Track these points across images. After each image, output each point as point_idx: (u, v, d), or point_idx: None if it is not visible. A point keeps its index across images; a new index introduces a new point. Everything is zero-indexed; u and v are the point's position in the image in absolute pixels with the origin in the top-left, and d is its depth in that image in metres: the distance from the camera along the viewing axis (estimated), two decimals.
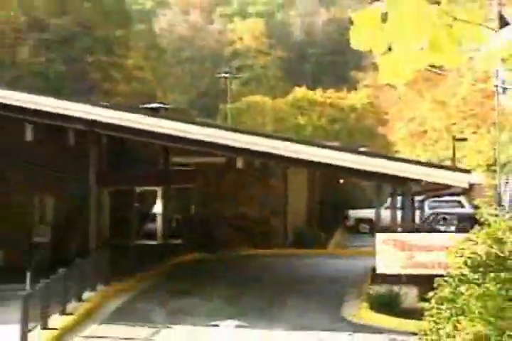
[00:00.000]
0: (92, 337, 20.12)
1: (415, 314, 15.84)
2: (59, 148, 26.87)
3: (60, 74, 48.98)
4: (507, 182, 31.60)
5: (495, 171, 31.88)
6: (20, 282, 20.46)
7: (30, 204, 28.90)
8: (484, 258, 10.19)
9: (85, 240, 26.59)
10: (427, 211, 37.09)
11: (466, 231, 14.81)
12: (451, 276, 10.33)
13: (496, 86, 25.19)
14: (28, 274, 19.96)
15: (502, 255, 10.18)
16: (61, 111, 24.44)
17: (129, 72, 58.33)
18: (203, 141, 24.88)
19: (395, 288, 22.30)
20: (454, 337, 9.66)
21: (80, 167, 26.54)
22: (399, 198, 26.54)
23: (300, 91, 75.05)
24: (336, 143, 39.82)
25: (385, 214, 27.36)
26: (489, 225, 10.81)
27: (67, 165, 27.44)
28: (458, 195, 32.78)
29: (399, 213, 25.52)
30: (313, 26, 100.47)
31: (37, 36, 50.39)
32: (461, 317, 9.72)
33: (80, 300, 23.27)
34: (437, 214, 35.39)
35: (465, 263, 10.28)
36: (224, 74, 74.57)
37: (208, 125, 27.62)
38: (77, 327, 20.88)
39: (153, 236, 39.32)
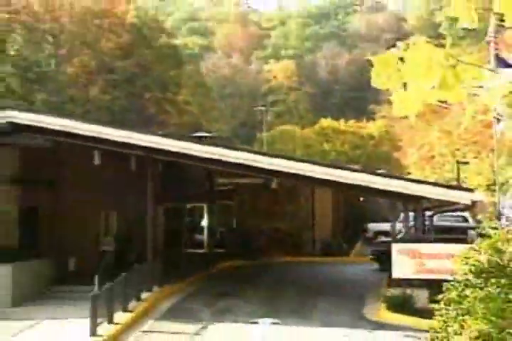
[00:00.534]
0: (149, 332, 20.16)
1: (427, 313, 15.73)
2: (122, 171, 27.07)
3: (123, 108, 49.41)
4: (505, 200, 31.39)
5: (494, 190, 31.71)
6: (89, 284, 20.57)
7: (97, 219, 29.11)
8: (486, 265, 10.16)
9: (143, 249, 26.67)
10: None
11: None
12: (457, 281, 10.30)
13: (494, 117, 25.13)
14: (96, 277, 20.06)
15: (501, 263, 10.16)
16: (124, 140, 24.66)
17: (180, 106, 58.70)
18: (243, 165, 24.94)
19: (409, 291, 22.20)
20: (460, 334, 9.62)
21: (139, 187, 26.70)
22: (411, 213, 26.43)
23: (325, 122, 75.03)
24: (356, 166, 39.74)
25: (400, 227, 27.27)
26: (490, 237, 10.80)
27: (129, 185, 27.62)
28: (462, 210, 32.62)
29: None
30: (337, 67, 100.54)
31: (105, 77, 50.90)
32: (466, 317, 9.68)
33: (138, 299, 23.38)
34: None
35: (470, 270, 10.25)
36: (260, 108, 74.84)
37: (247, 151, 27.68)
38: (136, 323, 20.98)
39: (200, 246, 39.39)
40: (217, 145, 26.37)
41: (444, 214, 34.89)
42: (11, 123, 24.46)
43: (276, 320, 21.17)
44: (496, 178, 30.77)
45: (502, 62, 21.02)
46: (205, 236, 39.97)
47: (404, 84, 3.04)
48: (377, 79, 3.08)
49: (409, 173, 53.05)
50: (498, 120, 24.63)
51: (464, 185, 33.66)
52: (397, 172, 51.35)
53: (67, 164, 27.54)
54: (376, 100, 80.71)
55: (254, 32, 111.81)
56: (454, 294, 10.09)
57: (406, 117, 3.40)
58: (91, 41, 50.85)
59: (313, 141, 72.12)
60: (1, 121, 24.54)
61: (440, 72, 2.95)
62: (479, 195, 25.08)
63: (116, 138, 24.55)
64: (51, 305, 23.28)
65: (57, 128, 24.66)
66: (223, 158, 24.89)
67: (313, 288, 27.85)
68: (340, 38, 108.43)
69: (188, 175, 30.97)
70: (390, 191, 24.47)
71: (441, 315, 10.06)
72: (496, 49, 19.32)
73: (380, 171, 34.99)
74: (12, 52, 49.26)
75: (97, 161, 24.90)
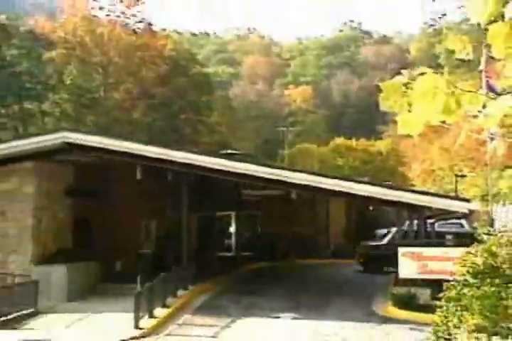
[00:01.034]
0: (184, 325, 20.17)
1: (429, 309, 15.61)
2: (160, 184, 27.22)
3: (162, 129, 49.66)
4: (497, 209, 31.18)
5: (487, 200, 31.52)
6: (132, 283, 20.64)
7: (139, 226, 29.24)
8: (482, 267, 10.11)
9: (179, 252, 26.76)
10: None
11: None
12: (456, 281, 10.24)
13: (488, 136, 25.00)
14: (138, 277, 20.13)
15: (495, 265, 10.11)
16: (162, 157, 24.78)
17: (211, 127, 58.89)
18: (266, 178, 24.99)
19: (413, 290, 22.08)
20: (459, 327, 9.58)
21: (175, 198, 26.81)
22: (415, 221, 26.31)
23: (339, 140, 74.98)
24: (366, 179, 39.63)
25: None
26: (484, 242, 10.75)
27: (166, 196, 27.74)
28: (460, 218, 32.47)
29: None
30: (349, 92, 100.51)
31: (146, 102, 51.27)
32: (464, 313, 9.64)
33: (175, 296, 23.44)
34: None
35: (467, 271, 10.19)
36: (282, 128, 75.03)
37: (270, 166, 27.70)
38: (173, 317, 21.01)
39: (229, 250, 39.41)
40: (243, 161, 26.43)
41: (443, 221, 34.71)
42: (66, 142, 24.70)
43: (296, 315, 21.16)
44: (489, 190, 30.62)
45: (491, 89, 20.99)
46: (233, 241, 40.03)
47: (409, 107, 3.07)
48: (385, 103, 3.12)
49: (412, 185, 52.81)
50: (492, 139, 24.52)
51: (461, 196, 33.45)
52: (402, 185, 51.14)
53: (113, 178, 27.77)
54: (383, 121, 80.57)
55: (276, 61, 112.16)
56: (453, 292, 10.03)
57: (410, 136, 3.43)
58: (134, 71, 51.25)
59: (328, 157, 72.04)
60: (58, 141, 24.79)
61: (443, 99, 2.99)
62: (475, 205, 24.94)
63: (155, 155, 24.68)
64: (100, 300, 23.42)
65: (104, 146, 24.85)
66: (249, 173, 24.94)
67: (328, 287, 27.78)
68: (351, 66, 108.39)
69: (218, 187, 31.05)
70: (396, 201, 24.39)
71: (442, 311, 10.01)
72: (487, 77, 19.24)
73: (387, 183, 34.90)
74: (68, 82, 49.82)
75: (138, 175, 25.05)
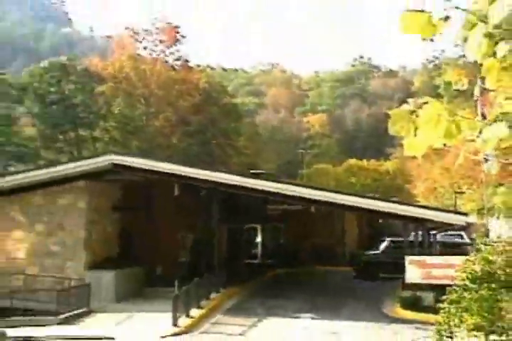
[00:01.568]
0: (217, 323, 20.11)
1: (433, 311, 15.43)
2: (194, 199, 27.26)
3: (196, 152, 49.89)
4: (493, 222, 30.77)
5: (483, 214, 31.17)
6: (171, 287, 20.65)
7: (176, 236, 29.25)
8: (480, 273, 10.02)
9: (211, 260, 26.73)
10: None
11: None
12: (457, 285, 10.16)
13: (483, 158, 24.79)
14: (176, 282, 20.14)
15: (491, 271, 10.02)
16: (196, 176, 24.88)
17: (239, 150, 59.03)
18: (288, 195, 24.97)
19: (418, 293, 21.85)
20: (459, 327, 9.52)
21: (207, 212, 26.84)
22: (419, 232, 26.11)
23: (352, 161, 74.64)
24: (376, 195, 39.38)
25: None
26: (482, 251, 10.66)
27: (200, 210, 27.76)
28: (459, 230, 32.18)
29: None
30: (360, 119, 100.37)
31: (182, 128, 51.59)
32: (464, 314, 9.57)
33: (208, 299, 23.36)
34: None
35: (467, 276, 10.11)
36: (301, 150, 74.93)
37: (291, 184, 27.69)
38: (206, 317, 20.95)
39: (255, 258, 39.27)
40: (268, 180, 26.45)
41: (445, 232, 34.37)
42: (114, 164, 24.92)
43: (314, 315, 21.01)
44: (484, 205, 30.27)
45: (485, 117, 20.87)
46: (259, 250, 39.88)
47: (414, 132, 3.07)
48: (393, 128, 3.13)
49: (417, 201, 52.36)
50: (486, 160, 24.32)
51: (460, 210, 33.06)
52: (408, 200, 50.72)
53: (154, 195, 27.85)
54: (391, 144, 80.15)
55: (296, 92, 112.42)
56: (454, 296, 9.95)
57: (414, 157, 3.43)
58: (172, 102, 51.62)
59: (342, 176, 71.67)
60: (106, 163, 25.02)
61: (445, 125, 2.99)
62: (472, 218, 24.73)
63: (190, 175, 24.80)
64: (143, 302, 23.46)
65: (147, 167, 25.03)
66: (273, 190, 24.94)
67: (343, 291, 27.54)
68: (362, 96, 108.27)
69: (245, 202, 31.02)
70: (403, 215, 24.25)
71: (445, 312, 9.92)
72: (482, 105, 19.13)
73: (394, 199, 34.65)
74: (116, 111, 50.43)
75: (176, 192, 25.15)
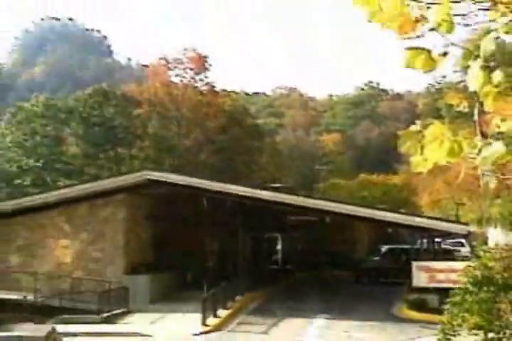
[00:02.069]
0: (241, 323, 20.08)
1: (437, 312, 15.26)
2: (220, 210, 27.21)
3: (222, 168, 49.99)
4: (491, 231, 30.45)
5: (482, 224, 30.87)
6: (200, 290, 20.67)
7: (203, 244, 29.14)
8: (480, 278, 9.95)
9: (236, 266, 26.70)
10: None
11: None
12: (459, 289, 10.10)
13: (482, 173, 24.59)
14: (205, 285, 20.14)
15: (490, 276, 9.95)
16: (222, 190, 24.91)
17: (261, 166, 59.07)
18: (305, 206, 24.93)
19: (424, 296, 21.62)
20: (461, 326, 9.48)
21: (232, 222, 26.83)
22: (425, 240, 25.91)
23: (363, 176, 74.28)
24: (385, 207, 39.11)
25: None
26: (481, 257, 10.59)
27: (225, 221, 27.72)
28: (461, 238, 31.91)
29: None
30: (370, 138, 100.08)
31: (210, 147, 51.80)
32: (466, 314, 9.52)
33: (233, 301, 23.32)
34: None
35: (468, 281, 10.04)
36: (317, 167, 74.81)
37: (308, 197, 27.69)
38: (232, 317, 20.92)
39: (276, 263, 39.15)
40: (287, 193, 26.44)
41: (447, 240, 34.07)
42: (149, 179, 25.10)
43: (329, 316, 20.86)
44: (483, 215, 29.99)
45: (484, 136, 20.71)
46: (279, 257, 39.76)
47: (421, 150, 3.10)
48: (402, 147, 3.17)
49: (422, 212, 51.95)
50: (485, 175, 24.12)
51: (461, 220, 32.76)
52: (414, 212, 50.31)
53: (184, 206, 27.90)
54: (399, 161, 79.69)
55: (312, 114, 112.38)
56: (457, 298, 9.88)
57: (421, 172, 3.46)
58: (201, 123, 51.95)
59: (354, 189, 71.28)
60: (142, 178, 25.22)
61: (448, 144, 3.02)
62: (471, 227, 24.55)
63: (216, 189, 24.86)
64: (175, 303, 23.44)
65: (178, 182, 25.17)
66: (291, 202, 24.91)
67: (355, 294, 27.30)
68: (372, 117, 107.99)
69: (266, 213, 31.00)
70: (410, 224, 24.10)
71: (448, 313, 9.86)
72: (480, 126, 18.95)
73: (401, 210, 34.44)
74: (150, 132, 50.96)
75: (204, 204, 25.20)
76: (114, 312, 21.28)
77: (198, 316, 18.89)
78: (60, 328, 16.28)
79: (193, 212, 27.12)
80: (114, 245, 24.83)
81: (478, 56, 2.73)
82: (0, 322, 15.35)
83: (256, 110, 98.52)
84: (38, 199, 25.83)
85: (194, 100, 52.08)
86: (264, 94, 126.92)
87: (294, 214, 31.94)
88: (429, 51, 2.82)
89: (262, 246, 37.02)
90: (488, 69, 2.74)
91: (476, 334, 9.37)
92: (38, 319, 18.74)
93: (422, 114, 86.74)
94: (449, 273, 20.59)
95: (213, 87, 54.71)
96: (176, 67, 53.19)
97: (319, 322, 20.00)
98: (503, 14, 2.76)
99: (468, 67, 2.81)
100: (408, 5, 2.75)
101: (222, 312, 20.91)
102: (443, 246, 32.84)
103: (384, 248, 33.59)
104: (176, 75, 53.60)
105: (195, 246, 28.01)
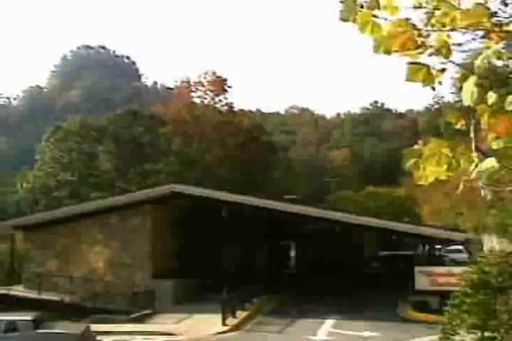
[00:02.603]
0: (259, 323, 20.01)
1: (439, 313, 15.09)
2: (239, 220, 27.23)
3: (240, 182, 49.89)
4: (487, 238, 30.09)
5: (479, 232, 30.56)
6: (220, 293, 20.62)
7: (223, 252, 29.09)
8: (477, 281, 9.89)
9: (254, 270, 26.62)
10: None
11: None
12: (458, 291, 10.03)
13: (479, 185, 24.38)
14: (224, 289, 20.10)
15: (486, 280, 9.89)
16: (241, 201, 24.91)
17: (275, 179, 59.05)
18: (318, 217, 24.87)
19: (426, 298, 21.40)
20: (460, 326, 9.44)
21: (251, 231, 26.81)
22: (426, 246, 25.70)
23: (370, 188, 73.89)
24: (390, 217, 38.76)
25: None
26: (478, 262, 10.55)
27: (244, 230, 27.71)
28: (459, 245, 31.65)
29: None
30: (376, 153, 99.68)
31: (229, 162, 51.98)
32: (465, 315, 9.48)
33: (251, 303, 23.23)
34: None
35: (466, 284, 9.98)
36: (327, 179, 74.58)
37: (319, 207, 27.59)
38: (250, 318, 20.86)
39: (290, 268, 38.92)
40: (300, 204, 26.38)
41: (447, 247, 33.74)
42: (173, 191, 25.23)
43: (340, 316, 20.71)
44: (480, 224, 29.70)
45: (481, 152, 20.59)
46: (293, 262, 39.54)
47: (423, 166, 3.14)
48: (406, 165, 3.22)
49: (424, 221, 51.50)
50: (482, 187, 23.92)
51: (460, 229, 32.45)
52: (417, 221, 49.88)
53: (205, 216, 27.92)
54: (402, 174, 79.13)
55: (322, 131, 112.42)
56: (457, 300, 9.82)
57: (422, 185, 3.50)
58: (220, 140, 52.20)
59: (361, 200, 70.87)
60: (167, 191, 25.37)
61: (447, 160, 3.06)
62: (470, 235, 24.32)
63: (236, 200, 24.89)
64: (197, 305, 23.40)
65: (200, 194, 25.25)
66: (305, 213, 24.85)
67: (363, 297, 27.04)
68: (377, 134, 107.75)
69: (281, 222, 30.94)
70: (410, 232, 23.93)
71: (448, 314, 9.80)
72: (476, 142, 18.79)
73: (405, 220, 34.18)
74: (174, 149, 51.30)
75: (224, 214, 25.24)
76: (142, 312, 21.32)
77: (219, 317, 18.83)
78: (94, 327, 16.35)
79: (214, 221, 27.15)
80: (142, 252, 24.92)
81: (473, 72, 2.78)
82: (41, 320, 15.45)
83: (271, 128, 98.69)
84: (74, 210, 26.08)
85: (214, 119, 52.39)
86: (278, 113, 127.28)
87: (307, 223, 31.85)
88: (428, 66, 2.87)
89: (277, 253, 36.86)
90: (483, 86, 2.78)
91: (473, 333, 9.35)
92: (74, 318, 18.84)
93: (422, 131, 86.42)
94: (448, 277, 20.39)
95: (231, 107, 55.03)
96: (197, 89, 53.67)
97: (331, 322, 19.84)
98: (496, 42, 2.81)
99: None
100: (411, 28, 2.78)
101: (241, 313, 20.83)
102: (442, 252, 32.63)
103: (382, 254, 33.30)
104: (198, 97, 54.06)
105: (215, 252, 27.97)
